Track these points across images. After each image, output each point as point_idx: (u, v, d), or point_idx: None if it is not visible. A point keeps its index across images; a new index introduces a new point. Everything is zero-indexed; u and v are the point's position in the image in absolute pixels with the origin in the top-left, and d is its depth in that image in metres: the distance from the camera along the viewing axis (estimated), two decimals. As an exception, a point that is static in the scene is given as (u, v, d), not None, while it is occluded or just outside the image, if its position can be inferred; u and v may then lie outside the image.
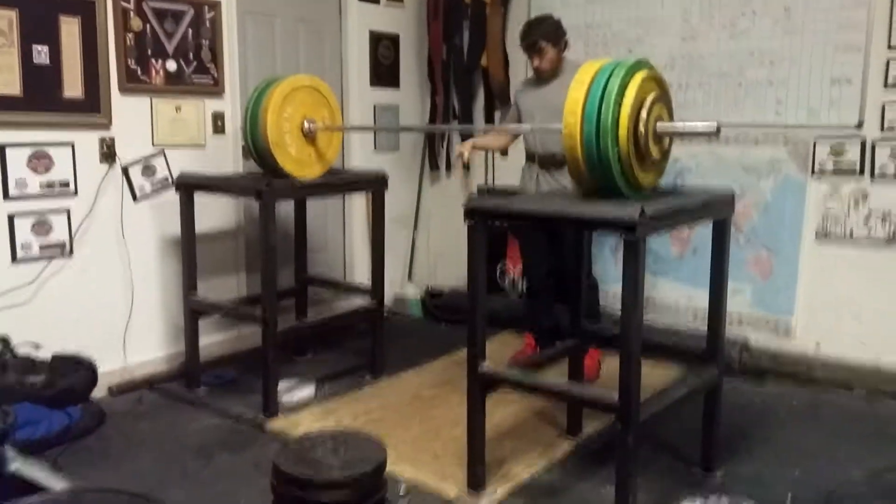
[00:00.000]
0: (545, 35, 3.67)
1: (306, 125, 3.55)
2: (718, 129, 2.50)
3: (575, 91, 2.47)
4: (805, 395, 3.73)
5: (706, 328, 2.97)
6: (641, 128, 2.43)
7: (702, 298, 4.09)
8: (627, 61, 2.48)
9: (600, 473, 2.88)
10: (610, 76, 2.43)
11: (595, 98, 2.42)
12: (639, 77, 2.43)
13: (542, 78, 3.78)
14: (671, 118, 2.61)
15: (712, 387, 2.86)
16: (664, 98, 2.56)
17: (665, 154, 2.65)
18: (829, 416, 3.49)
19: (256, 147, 3.51)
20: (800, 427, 3.37)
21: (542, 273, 3.97)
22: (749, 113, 4.07)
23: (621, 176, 2.46)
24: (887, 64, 3.66)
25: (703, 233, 4.12)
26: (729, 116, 4.10)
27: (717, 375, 2.87)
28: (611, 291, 4.52)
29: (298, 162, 3.56)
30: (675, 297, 4.35)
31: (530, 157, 3.90)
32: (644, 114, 2.43)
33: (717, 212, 2.83)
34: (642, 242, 2.33)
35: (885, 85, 3.68)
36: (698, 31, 4.17)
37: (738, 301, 4.05)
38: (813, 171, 3.90)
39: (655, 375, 3.81)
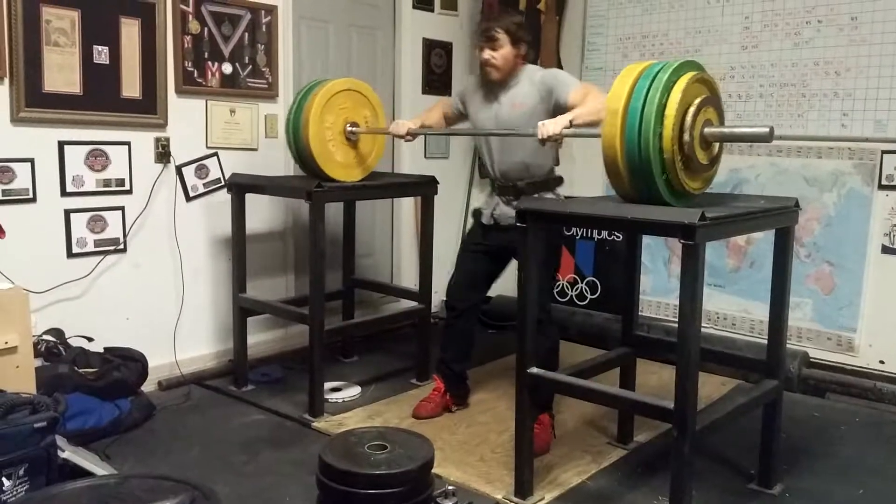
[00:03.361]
0: (504, 26, 3.16)
1: (349, 128, 3.52)
2: (772, 133, 2.33)
3: (617, 91, 2.34)
4: (868, 413, 3.58)
5: (764, 341, 2.86)
6: (687, 132, 2.29)
7: (759, 312, 4.01)
8: (674, 62, 2.36)
9: (652, 483, 2.79)
10: (654, 77, 2.30)
11: (638, 100, 2.29)
12: (686, 78, 2.30)
13: (490, 82, 3.25)
14: (721, 122, 2.48)
15: (772, 399, 2.74)
16: (713, 101, 2.42)
17: (713, 160, 2.49)
18: (894, 435, 3.34)
19: (300, 153, 3.51)
20: (863, 444, 3.23)
21: (462, 291, 3.44)
22: (813, 125, 3.95)
23: (665, 183, 2.33)
24: (959, 74, 3.54)
25: (760, 245, 4.03)
26: (792, 128, 3.99)
27: (778, 387, 2.76)
28: (663, 303, 4.44)
29: (343, 166, 3.54)
30: (732, 311, 4.23)
31: (492, 184, 3.39)
32: (690, 117, 2.29)
33: (780, 219, 2.73)
34: (702, 247, 2.25)
35: (957, 95, 3.55)
36: (760, 40, 4.08)
37: (798, 316, 3.92)
38: (880, 185, 3.76)
39: (711, 386, 3.73)
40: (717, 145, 2.49)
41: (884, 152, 3.74)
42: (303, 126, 3.42)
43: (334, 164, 3.49)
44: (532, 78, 3.17)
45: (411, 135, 3.48)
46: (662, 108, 2.27)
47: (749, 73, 4.13)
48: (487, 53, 3.16)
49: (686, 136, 2.30)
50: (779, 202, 2.78)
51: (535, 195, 3.19)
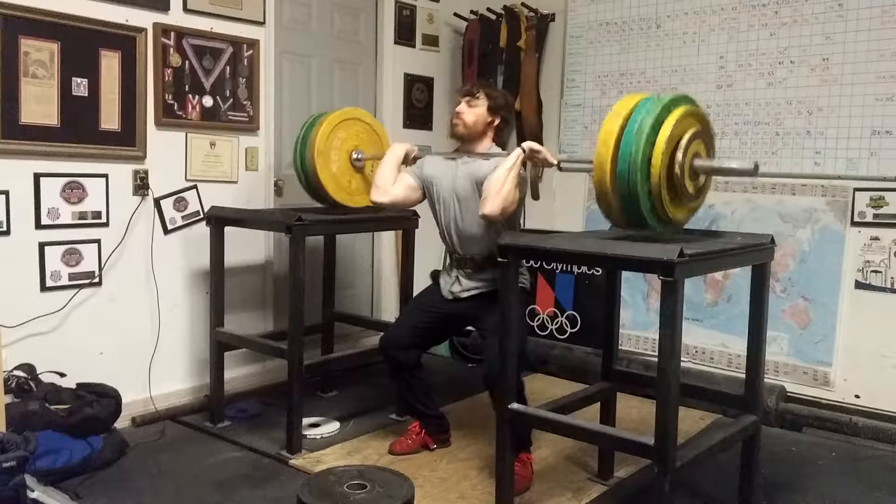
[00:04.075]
0: (488, 91, 3.20)
1: (355, 155, 3.62)
2: (756, 169, 2.43)
3: (610, 123, 2.40)
4: (845, 447, 3.60)
5: (742, 375, 2.88)
6: (677, 165, 2.36)
7: (736, 346, 4.04)
8: (666, 97, 2.43)
9: (633, 521, 2.78)
10: (647, 111, 2.37)
11: (630, 133, 2.35)
12: (677, 112, 2.38)
13: (454, 136, 3.26)
14: (711, 154, 2.55)
15: (750, 434, 2.75)
16: (704, 134, 2.50)
17: (700, 190, 2.57)
18: (870, 469, 3.36)
19: (307, 176, 3.60)
20: (840, 479, 3.25)
21: (399, 346, 3.25)
22: (787, 162, 4.02)
23: (651, 212, 2.39)
24: (928, 115, 3.62)
25: (737, 280, 4.06)
26: (767, 165, 4.05)
27: (756, 423, 2.77)
28: (642, 337, 4.46)
29: (348, 191, 3.64)
30: (710, 345, 4.25)
31: (449, 256, 3.31)
32: (681, 153, 2.36)
33: (757, 256, 2.77)
34: (680, 284, 2.27)
35: (926, 135, 3.63)
36: (734, 79, 4.15)
37: (775, 350, 3.95)
38: (852, 221, 3.83)
39: (690, 421, 3.73)
40: (703, 177, 2.55)
41: (856, 190, 3.81)
42: (309, 152, 3.52)
43: (340, 189, 3.60)
44: (489, 158, 3.14)
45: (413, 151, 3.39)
46: (653, 138, 2.33)
47: (724, 111, 4.20)
48: (462, 106, 3.19)
49: (676, 168, 2.36)
50: (755, 239, 2.81)
51: (495, 268, 2.97)
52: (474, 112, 3.17)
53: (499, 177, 2.93)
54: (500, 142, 3.32)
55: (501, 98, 3.24)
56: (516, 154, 2.95)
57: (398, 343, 3.25)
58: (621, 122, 2.38)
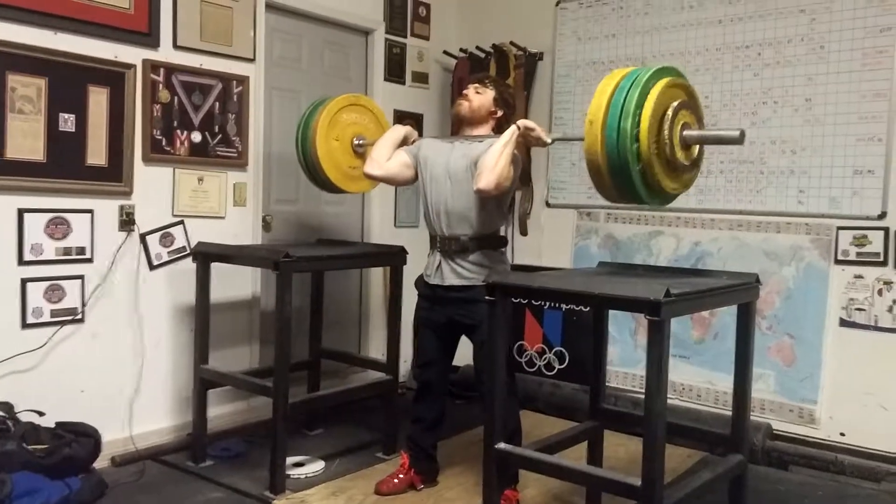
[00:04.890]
0: (496, 85, 3.29)
1: (356, 141, 3.68)
2: (742, 136, 2.48)
3: (598, 97, 2.44)
4: (831, 486, 3.59)
5: (729, 412, 2.88)
6: (666, 134, 2.40)
7: (723, 383, 4.04)
8: (651, 67, 2.46)
9: (621, 564, 2.74)
10: (633, 83, 2.40)
11: (617, 104, 2.38)
12: (662, 83, 2.41)
13: (457, 121, 3.32)
14: (700, 125, 2.59)
15: (737, 474, 2.74)
16: (691, 105, 2.53)
17: (694, 162, 2.59)
18: (859, 510, 3.35)
19: (307, 160, 3.65)
20: (828, 521, 3.23)
21: (432, 370, 3.38)
22: (771, 200, 4.06)
23: (642, 184, 2.43)
24: (909, 155, 3.67)
25: (724, 318, 4.07)
26: (751, 203, 4.10)
27: (742, 462, 2.76)
28: (630, 374, 4.45)
29: (348, 176, 3.69)
30: (697, 382, 4.24)
31: (433, 241, 3.30)
32: (667, 123, 2.40)
33: (742, 295, 2.78)
34: (667, 323, 2.27)
35: (908, 176, 3.67)
36: (719, 119, 4.20)
37: (761, 387, 3.95)
38: (836, 259, 3.86)
39: (677, 459, 3.70)
40: (696, 147, 2.57)
41: (839, 228, 3.85)
42: (311, 136, 3.58)
43: (340, 173, 3.66)
44: (485, 143, 3.16)
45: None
46: (639, 110, 2.36)
47: (709, 149, 4.18)
48: (470, 89, 3.27)
49: (665, 138, 2.40)
50: (741, 278, 2.83)
51: (479, 252, 3.16)
52: (480, 98, 3.24)
53: (494, 152, 2.98)
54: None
55: (508, 94, 3.33)
56: (511, 131, 3.01)
57: (426, 370, 3.38)
58: (608, 97, 2.41)
